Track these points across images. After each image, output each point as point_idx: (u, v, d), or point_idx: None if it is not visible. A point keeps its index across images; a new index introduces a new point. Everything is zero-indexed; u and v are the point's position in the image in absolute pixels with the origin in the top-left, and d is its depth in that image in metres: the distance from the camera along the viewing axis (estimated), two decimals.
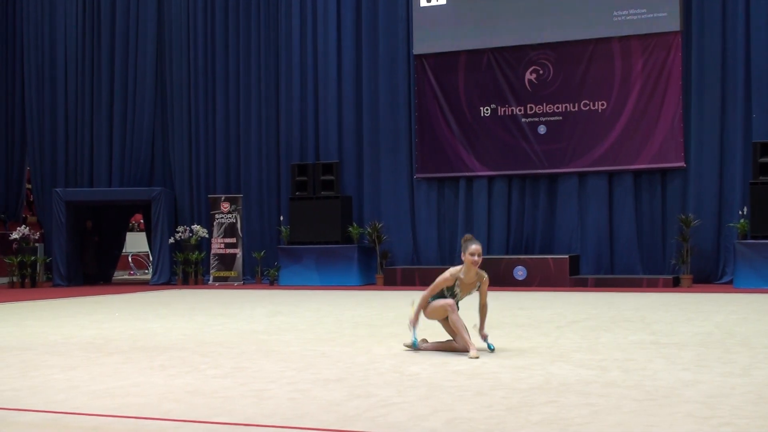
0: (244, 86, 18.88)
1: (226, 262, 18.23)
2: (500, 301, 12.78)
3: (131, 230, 22.57)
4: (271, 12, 18.75)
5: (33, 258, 18.34)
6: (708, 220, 15.50)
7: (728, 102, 15.58)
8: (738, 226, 14.88)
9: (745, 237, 14.76)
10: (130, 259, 23.80)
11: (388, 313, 11.00)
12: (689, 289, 14.70)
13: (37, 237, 18.84)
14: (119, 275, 21.99)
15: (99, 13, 19.91)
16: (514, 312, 11.01)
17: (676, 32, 15.74)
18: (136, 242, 23.20)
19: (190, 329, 9.54)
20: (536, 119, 16.66)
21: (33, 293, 16.24)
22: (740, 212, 15.04)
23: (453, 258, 17.14)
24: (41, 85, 20.22)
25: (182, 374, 6.47)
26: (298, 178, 17.61)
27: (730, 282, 15.02)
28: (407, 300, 13.15)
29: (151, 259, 20.62)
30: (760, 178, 14.54)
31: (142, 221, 22.40)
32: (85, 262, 19.08)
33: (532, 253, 16.48)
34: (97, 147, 19.81)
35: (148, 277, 20.38)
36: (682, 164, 15.71)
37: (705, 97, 15.68)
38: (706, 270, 15.64)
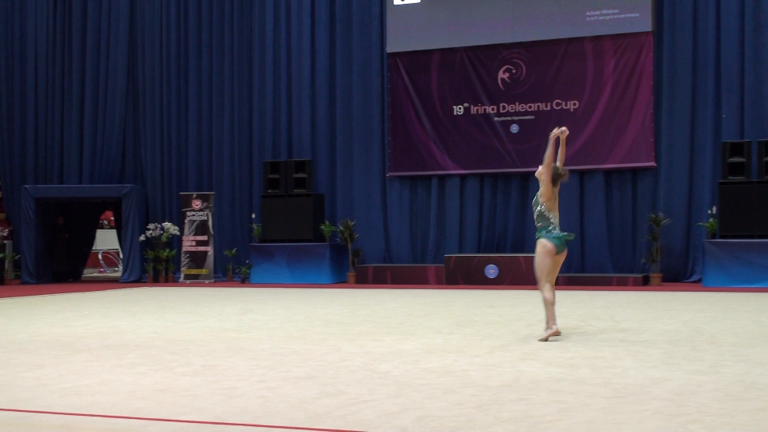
0: (216, 83, 18.80)
1: (198, 259, 18.15)
2: (471, 299, 12.83)
3: (101, 227, 22.40)
4: (245, 9, 18.67)
5: (1, 255, 18.15)
6: (678, 219, 15.63)
7: (698, 102, 15.71)
8: (707, 225, 15.01)
9: (713, 236, 14.89)
10: (100, 257, 23.63)
11: (359, 311, 11.00)
12: (658, 287, 14.81)
13: (5, 234, 18.66)
14: (89, 273, 21.84)
15: (70, 9, 19.75)
16: (484, 310, 11.05)
17: (647, 33, 15.84)
18: (106, 239, 23.03)
19: (160, 327, 9.49)
20: (509, 118, 16.72)
21: (1, 291, 16.08)
22: (709, 211, 15.17)
23: (425, 256, 17.18)
24: (11, 81, 20.02)
25: (152, 372, 6.44)
26: (270, 176, 17.54)
27: (699, 281, 15.15)
28: (379, 298, 13.19)
29: (121, 256, 20.47)
30: (730, 177, 14.67)
31: (112, 218, 22.24)
32: (55, 260, 18.92)
33: (504, 252, 16.54)
34: (67, 143, 19.65)
35: (119, 274, 20.24)
36: (652, 164, 15.82)
37: (676, 98, 15.80)
38: (675, 269, 15.76)
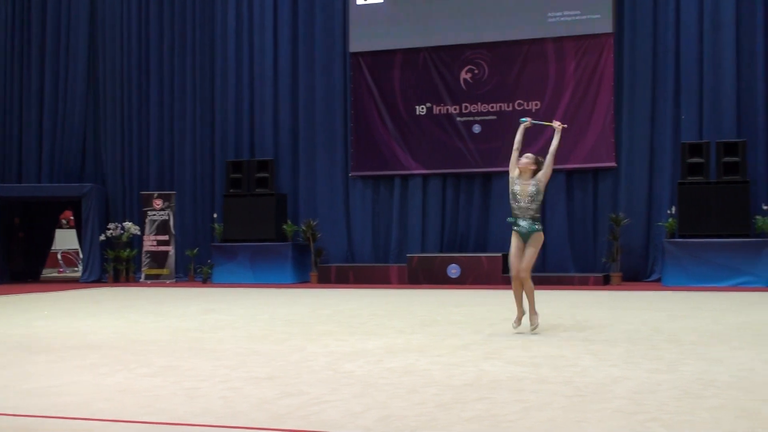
0: (178, 81, 18.67)
1: (159, 259, 18.02)
2: (434, 298, 12.87)
3: (61, 227, 22.16)
4: (207, 6, 18.57)
5: None
6: (638, 219, 15.79)
7: (658, 103, 15.89)
8: (666, 225, 15.18)
9: (673, 236, 15.07)
10: (59, 257, 23.38)
11: (322, 311, 11.00)
12: (619, 286, 14.95)
13: None
14: (48, 273, 21.60)
15: (29, 4, 19.51)
16: (447, 309, 11.10)
17: (608, 34, 15.99)
18: (66, 239, 22.80)
19: (121, 328, 9.42)
20: (471, 118, 16.79)
21: None
22: (669, 211, 15.34)
23: (387, 256, 17.21)
24: None
25: (113, 373, 6.40)
26: (232, 175, 17.46)
27: (659, 280, 15.31)
28: (341, 298, 13.19)
29: (81, 256, 20.27)
30: (689, 178, 14.85)
31: (72, 218, 22.01)
32: (12, 260, 18.67)
33: (466, 251, 16.60)
34: (26, 141, 19.41)
35: (78, 274, 20.05)
36: (613, 164, 15.98)
37: (636, 99, 15.97)
38: (636, 268, 15.92)
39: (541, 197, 8.45)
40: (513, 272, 8.39)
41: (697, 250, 14.60)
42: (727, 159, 14.69)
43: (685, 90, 15.66)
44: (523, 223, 8.35)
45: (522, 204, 8.35)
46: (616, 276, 15.36)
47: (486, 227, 16.75)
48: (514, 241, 8.41)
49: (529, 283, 8.39)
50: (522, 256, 8.36)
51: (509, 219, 8.49)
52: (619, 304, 11.57)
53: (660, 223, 15.49)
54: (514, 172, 8.50)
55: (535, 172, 8.48)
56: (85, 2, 19.19)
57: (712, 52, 15.51)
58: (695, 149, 14.94)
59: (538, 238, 8.40)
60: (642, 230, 15.88)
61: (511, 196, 8.45)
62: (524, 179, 8.44)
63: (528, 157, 8.57)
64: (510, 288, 8.63)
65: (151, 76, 18.83)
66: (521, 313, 8.51)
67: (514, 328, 8.46)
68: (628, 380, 5.83)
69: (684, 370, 6.20)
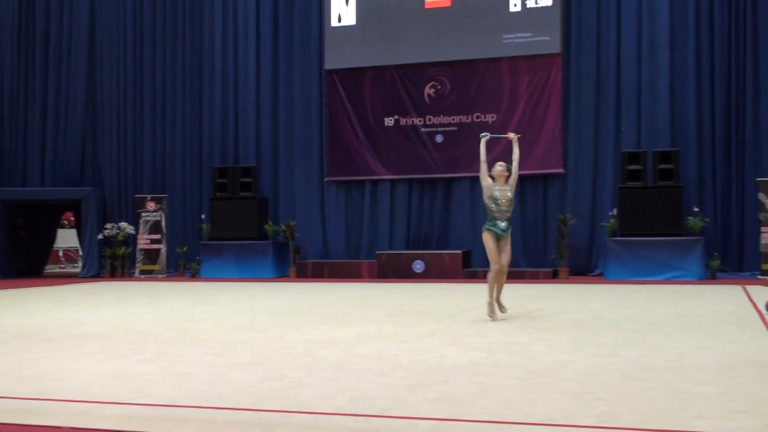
0: (169, 94, 18.54)
1: (151, 256, 17.88)
2: (400, 291, 12.87)
3: (62, 227, 21.91)
4: (196, 26, 18.46)
5: None
6: (583, 219, 15.88)
7: (601, 116, 16.00)
8: (608, 225, 15.29)
9: (614, 235, 15.19)
10: (61, 254, 23.13)
11: (300, 303, 10.97)
12: (566, 280, 15.03)
13: None
14: (50, 269, 21.35)
15: (33, 14, 19.29)
16: (412, 301, 11.10)
17: (557, 54, 16.07)
18: (67, 238, 22.57)
19: (117, 318, 9.34)
20: (434, 129, 16.81)
21: None
22: (611, 213, 15.45)
23: (359, 253, 17.20)
24: None
25: (109, 360, 6.34)
26: (218, 180, 17.38)
27: (601, 274, 15.42)
28: (317, 291, 13.15)
29: (80, 253, 20.06)
30: (628, 183, 14.98)
31: (72, 219, 21.77)
32: (16, 257, 18.42)
33: (430, 249, 16.63)
34: (30, 147, 19.20)
35: (78, 270, 19.84)
36: (561, 170, 16.06)
37: (581, 112, 16.06)
38: (581, 264, 16.01)
39: (514, 201, 8.69)
40: (496, 266, 8.61)
41: (635, 247, 14.73)
42: (662, 166, 14.82)
43: (625, 104, 15.78)
44: (501, 224, 8.65)
45: (503, 207, 8.64)
46: (563, 271, 15.44)
47: (447, 227, 16.79)
48: (492, 240, 8.63)
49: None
50: (501, 252, 8.62)
51: (488, 223, 8.67)
52: (566, 296, 11.63)
53: (603, 224, 15.59)
54: (487, 180, 8.68)
55: (507, 179, 8.70)
56: (86, 19, 18.97)
57: (649, 71, 15.64)
58: (634, 157, 15.06)
59: (510, 237, 8.69)
60: (587, 230, 15.97)
61: (491, 200, 8.65)
62: (501, 185, 8.72)
63: (501, 165, 8.79)
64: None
65: (144, 90, 18.67)
66: (493, 302, 8.69)
67: (492, 318, 8.55)
68: (574, 364, 5.86)
69: (624, 355, 6.24)
